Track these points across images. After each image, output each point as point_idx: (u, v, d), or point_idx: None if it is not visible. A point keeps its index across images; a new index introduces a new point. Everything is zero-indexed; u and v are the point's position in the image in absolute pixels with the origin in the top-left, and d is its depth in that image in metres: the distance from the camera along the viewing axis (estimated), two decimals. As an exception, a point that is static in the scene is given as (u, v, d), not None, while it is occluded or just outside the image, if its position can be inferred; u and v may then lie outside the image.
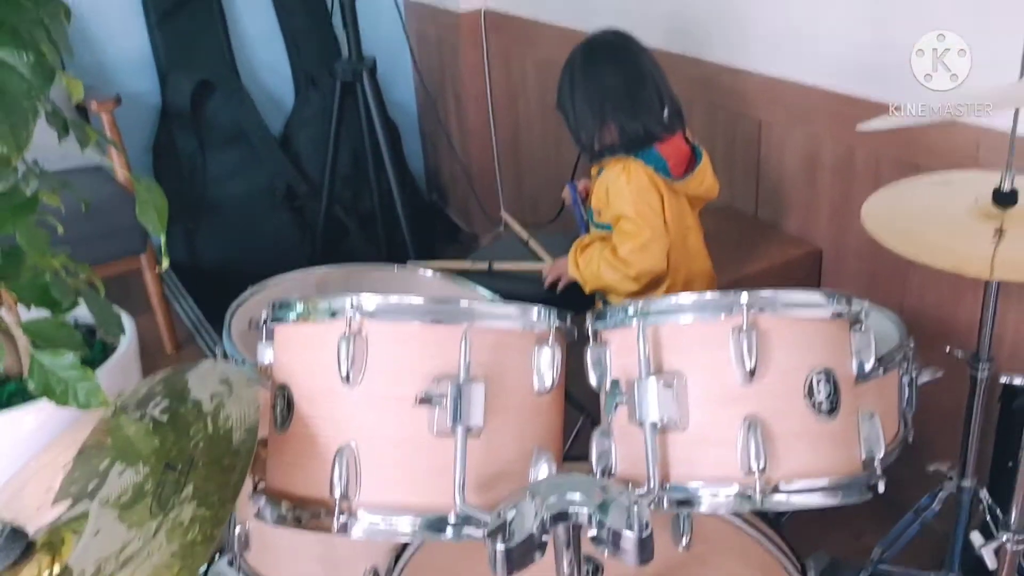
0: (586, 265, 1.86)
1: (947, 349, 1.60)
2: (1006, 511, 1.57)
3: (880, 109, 1.84)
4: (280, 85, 3.44)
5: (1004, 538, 1.26)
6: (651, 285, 1.82)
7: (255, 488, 1.15)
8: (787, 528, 1.60)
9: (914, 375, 1.47)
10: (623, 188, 1.76)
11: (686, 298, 1.08)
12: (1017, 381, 1.19)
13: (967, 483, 1.64)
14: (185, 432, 1.13)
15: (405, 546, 1.32)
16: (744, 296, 1.04)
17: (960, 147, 1.76)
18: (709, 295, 1.07)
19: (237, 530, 1.46)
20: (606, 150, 1.80)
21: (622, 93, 1.76)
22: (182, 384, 1.27)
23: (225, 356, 1.51)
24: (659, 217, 1.78)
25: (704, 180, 1.84)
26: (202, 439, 1.11)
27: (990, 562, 1.28)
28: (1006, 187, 1.40)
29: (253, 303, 1.63)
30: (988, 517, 1.62)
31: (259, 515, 1.12)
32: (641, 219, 1.75)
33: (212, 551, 1.03)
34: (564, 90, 1.82)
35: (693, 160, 1.82)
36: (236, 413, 1.13)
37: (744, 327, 1.03)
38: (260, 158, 3.27)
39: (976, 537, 1.31)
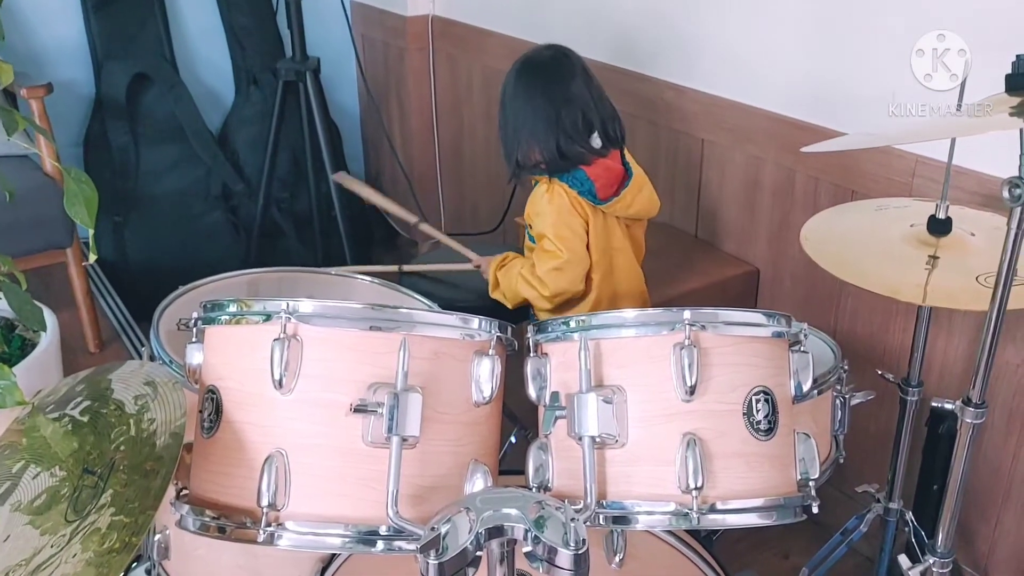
0: (504, 277, 1.85)
1: (878, 372, 1.63)
2: (930, 533, 1.60)
3: (822, 134, 1.88)
4: (220, 81, 3.36)
5: (931, 561, 1.28)
6: (566, 304, 1.80)
7: (178, 495, 1.11)
8: (716, 546, 1.61)
9: (847, 397, 1.49)
10: (545, 208, 1.75)
11: (629, 313, 1.08)
12: (948, 406, 1.21)
13: (894, 505, 1.67)
14: (106, 435, 1.09)
15: (333, 557, 1.28)
16: (687, 313, 1.04)
17: (896, 174, 1.79)
18: (652, 311, 1.07)
19: (157, 538, 1.40)
20: (527, 169, 1.78)
21: (544, 116, 1.73)
22: (105, 385, 1.22)
23: (152, 357, 1.47)
24: (580, 240, 1.75)
25: (633, 203, 1.79)
26: (124, 442, 1.07)
27: (916, 585, 1.30)
28: (941, 215, 1.43)
29: (183, 303, 1.58)
30: (913, 539, 1.65)
31: (181, 523, 1.08)
32: (560, 241, 1.73)
33: (130, 560, 0.98)
34: (501, 107, 1.82)
35: (624, 181, 1.79)
36: (161, 416, 1.09)
37: (686, 344, 1.03)
38: (196, 155, 3.19)
39: (903, 560, 1.32)
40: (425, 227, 2.22)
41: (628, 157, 1.82)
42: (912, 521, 1.65)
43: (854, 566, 1.95)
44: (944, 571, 1.29)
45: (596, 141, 1.75)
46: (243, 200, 3.25)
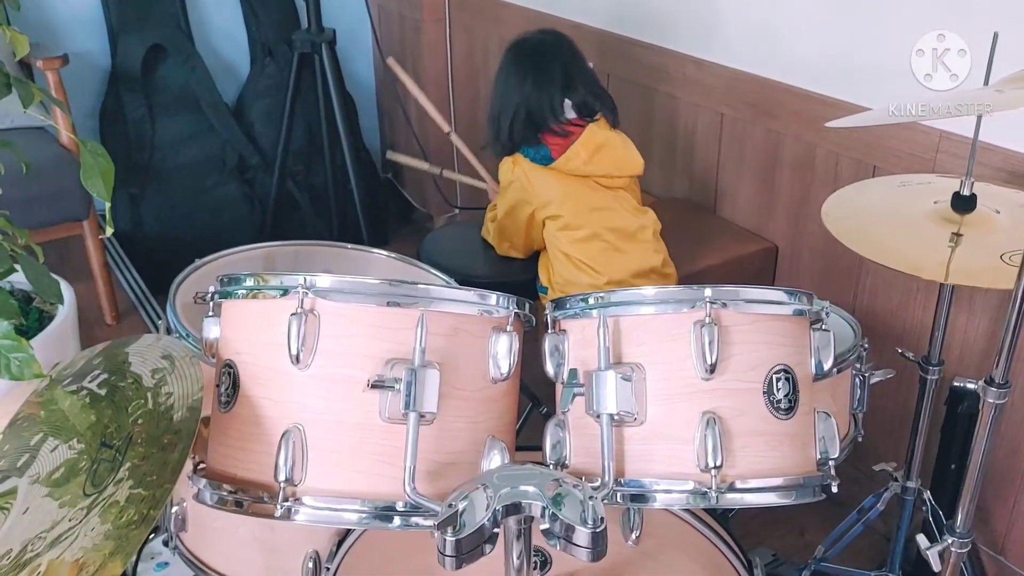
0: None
1: (898, 351, 1.61)
2: (948, 513, 1.59)
3: (845, 108, 1.86)
4: (235, 53, 3.35)
5: (949, 541, 1.27)
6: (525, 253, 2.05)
7: (195, 469, 1.11)
8: (732, 523, 1.61)
9: (866, 375, 1.47)
10: (501, 180, 1.98)
11: (648, 290, 1.07)
12: (970, 385, 1.19)
13: (912, 484, 1.66)
14: (124, 408, 1.09)
15: (348, 532, 1.29)
16: (708, 291, 1.03)
17: (920, 150, 1.77)
18: (672, 288, 1.06)
19: (174, 510, 1.41)
20: (500, 150, 1.95)
21: (517, 103, 1.87)
22: (122, 358, 1.22)
23: (168, 330, 1.47)
24: (520, 208, 1.93)
25: (592, 160, 1.87)
26: (141, 416, 1.07)
27: (935, 564, 1.29)
28: (965, 191, 1.41)
29: (199, 276, 1.58)
30: (931, 519, 1.64)
31: (198, 497, 1.08)
32: (502, 205, 1.98)
33: (148, 532, 0.99)
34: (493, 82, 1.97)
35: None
36: (178, 390, 1.09)
37: (706, 321, 1.02)
38: (211, 127, 3.18)
39: (922, 540, 1.31)
40: (455, 138, 2.46)
41: (600, 125, 1.89)
42: (930, 500, 1.64)
43: (870, 544, 1.95)
44: (963, 551, 1.28)
45: (569, 113, 1.87)
46: (258, 173, 3.24)
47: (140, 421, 1.06)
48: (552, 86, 1.86)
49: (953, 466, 1.75)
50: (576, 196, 1.88)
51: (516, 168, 1.91)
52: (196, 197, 3.16)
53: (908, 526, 1.72)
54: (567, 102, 1.87)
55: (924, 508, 1.66)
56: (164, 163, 3.12)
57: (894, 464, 1.71)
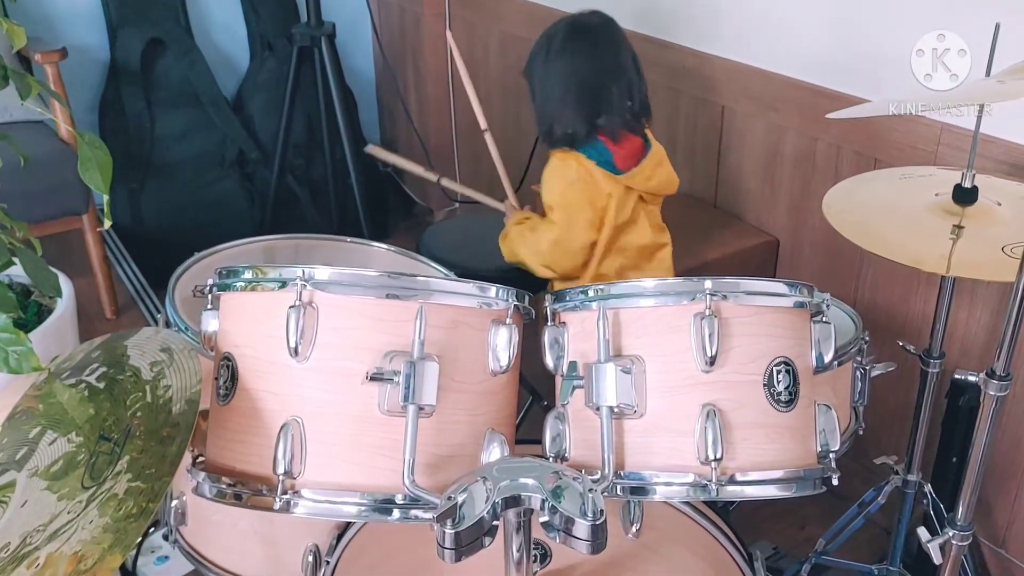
0: (514, 231, 1.84)
1: (900, 344, 1.61)
2: (949, 506, 1.59)
3: (846, 101, 1.85)
4: (235, 47, 3.34)
5: (950, 534, 1.26)
6: (564, 278, 1.79)
7: (194, 462, 1.11)
8: (732, 517, 1.61)
9: (867, 368, 1.47)
10: (557, 180, 1.72)
11: (648, 282, 1.07)
12: (971, 378, 1.19)
13: (913, 477, 1.66)
14: (122, 401, 1.08)
15: (348, 525, 1.28)
16: (708, 283, 1.03)
17: (921, 143, 1.76)
18: (672, 280, 1.06)
19: (174, 504, 1.41)
20: (558, 139, 1.72)
21: (593, 83, 1.68)
22: (121, 351, 1.22)
23: (167, 323, 1.46)
24: (582, 213, 1.71)
25: (653, 175, 1.75)
26: (140, 409, 1.07)
27: (936, 558, 1.29)
28: (967, 184, 1.40)
29: (198, 270, 1.58)
30: (931, 511, 1.64)
31: (197, 490, 1.08)
32: (563, 212, 1.71)
33: (147, 525, 0.99)
34: (536, 62, 1.74)
35: (643, 153, 1.75)
36: (177, 383, 1.09)
37: (706, 313, 1.01)
38: (211, 121, 3.18)
39: (923, 533, 1.31)
40: (488, 137, 2.13)
41: (648, 132, 1.79)
42: (931, 493, 1.64)
43: (870, 537, 1.94)
44: (963, 544, 1.27)
45: (630, 117, 1.71)
46: (258, 167, 3.24)
47: (139, 414, 1.06)
48: (621, 82, 1.69)
49: (954, 459, 1.75)
50: (620, 207, 1.74)
51: (580, 167, 1.70)
52: (196, 191, 3.15)
53: (909, 519, 1.72)
54: (634, 101, 1.72)
55: (925, 501, 1.66)
56: (164, 157, 3.11)
57: (895, 457, 1.70)
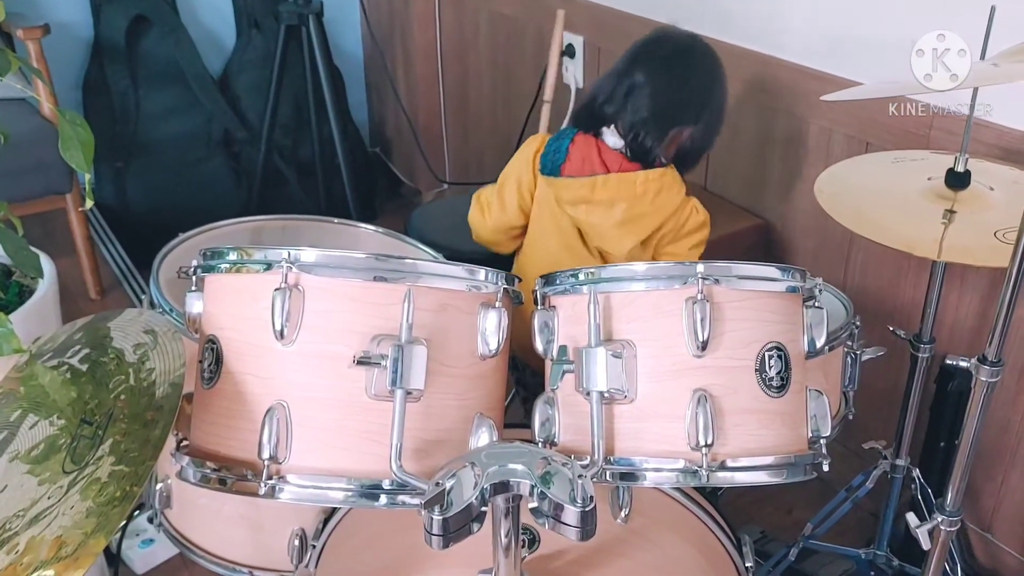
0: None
1: (890, 328, 1.60)
2: (936, 491, 1.59)
3: (838, 83, 1.84)
4: (221, 25, 3.30)
5: (939, 520, 1.26)
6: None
7: (178, 446, 1.09)
8: (720, 501, 1.60)
9: (858, 353, 1.46)
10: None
11: (639, 266, 1.05)
12: (963, 363, 1.18)
13: (901, 462, 1.66)
14: (105, 384, 1.07)
15: (335, 509, 1.27)
16: (700, 267, 1.01)
17: (913, 126, 1.75)
18: (664, 264, 1.04)
19: (158, 487, 1.40)
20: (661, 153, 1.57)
21: (720, 109, 1.62)
22: (104, 333, 1.20)
23: (152, 305, 1.44)
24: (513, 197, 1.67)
25: (584, 193, 1.56)
26: (123, 392, 1.05)
27: (924, 543, 1.28)
28: (960, 168, 1.39)
29: (183, 250, 1.56)
30: (919, 496, 1.64)
31: (182, 475, 1.06)
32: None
33: (131, 509, 0.97)
34: (673, 71, 1.58)
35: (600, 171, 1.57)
36: (160, 366, 1.07)
37: (698, 298, 1.00)
38: (197, 100, 3.14)
39: (911, 518, 1.31)
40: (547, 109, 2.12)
41: (651, 174, 1.57)
42: (919, 478, 1.64)
43: (857, 521, 1.95)
44: (952, 530, 1.27)
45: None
46: (245, 146, 3.21)
47: (122, 397, 1.04)
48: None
49: (942, 444, 1.75)
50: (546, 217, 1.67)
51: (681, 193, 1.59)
52: (182, 171, 3.12)
53: (897, 504, 1.72)
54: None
55: (913, 486, 1.66)
56: (149, 136, 3.08)
57: (883, 442, 1.70)
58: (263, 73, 3.12)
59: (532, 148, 1.65)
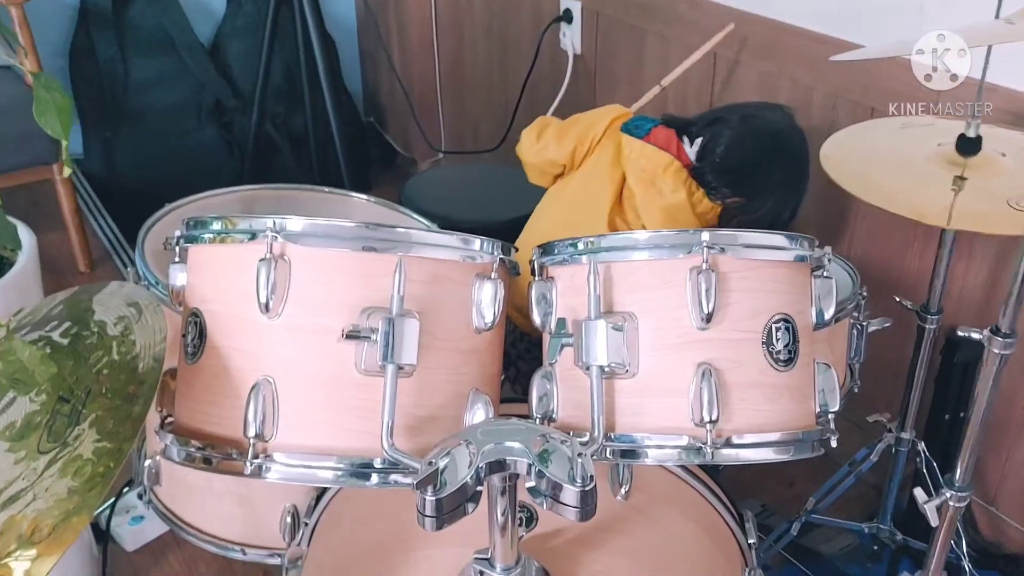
0: None
1: (896, 299, 1.56)
2: (941, 465, 1.56)
3: (844, 47, 1.78)
4: (211, -10, 3.24)
5: (948, 495, 1.23)
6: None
7: (162, 424, 1.06)
8: (720, 475, 1.57)
9: (864, 324, 1.43)
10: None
11: (641, 235, 1.02)
12: (975, 335, 1.15)
13: (906, 435, 1.62)
14: (85, 359, 1.03)
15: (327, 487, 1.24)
16: (705, 235, 0.97)
17: (921, 91, 1.69)
18: (667, 233, 1.00)
19: (147, 464, 1.36)
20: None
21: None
22: (85, 306, 1.17)
23: (138, 277, 1.40)
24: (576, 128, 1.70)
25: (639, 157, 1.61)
26: (105, 366, 1.01)
27: (932, 519, 1.25)
28: (971, 133, 1.35)
29: (170, 221, 1.51)
30: (924, 470, 1.61)
31: (166, 454, 1.03)
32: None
33: (112, 485, 0.94)
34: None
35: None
36: (143, 340, 1.03)
37: (703, 268, 0.96)
38: (187, 68, 3.08)
39: (919, 494, 1.28)
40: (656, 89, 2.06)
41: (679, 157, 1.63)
42: (924, 452, 1.61)
43: (859, 495, 1.92)
44: (961, 505, 1.24)
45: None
46: (236, 116, 3.15)
47: (104, 372, 1.00)
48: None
49: (947, 417, 1.72)
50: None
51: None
52: (172, 141, 3.06)
53: (900, 478, 1.69)
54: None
55: (917, 460, 1.63)
56: (138, 105, 3.01)
57: (888, 415, 1.67)
58: (254, 41, 3.05)
59: (613, 113, 1.69)
